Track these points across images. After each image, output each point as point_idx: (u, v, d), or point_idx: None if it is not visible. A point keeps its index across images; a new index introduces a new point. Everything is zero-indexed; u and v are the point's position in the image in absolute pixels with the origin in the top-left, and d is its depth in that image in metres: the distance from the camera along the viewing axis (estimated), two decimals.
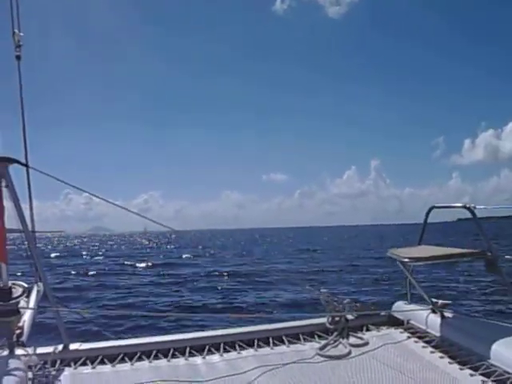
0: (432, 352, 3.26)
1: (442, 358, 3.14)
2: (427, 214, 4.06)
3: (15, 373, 2.48)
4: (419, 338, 3.53)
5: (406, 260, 3.57)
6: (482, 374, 2.81)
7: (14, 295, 2.84)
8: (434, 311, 3.68)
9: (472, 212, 3.60)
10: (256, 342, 3.53)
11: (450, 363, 3.04)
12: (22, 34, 3.61)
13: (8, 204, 2.91)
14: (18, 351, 2.93)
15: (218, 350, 3.41)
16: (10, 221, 2.95)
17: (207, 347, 3.43)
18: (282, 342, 3.56)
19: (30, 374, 2.79)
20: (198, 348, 3.41)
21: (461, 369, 2.93)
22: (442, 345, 3.33)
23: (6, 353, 2.89)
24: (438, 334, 3.47)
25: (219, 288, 18.43)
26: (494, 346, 2.95)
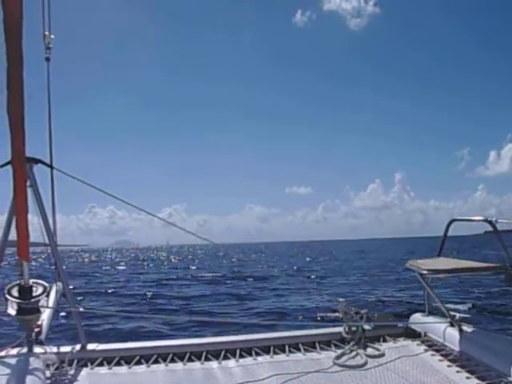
0: (449, 366, 3.21)
1: (459, 372, 3.10)
2: (447, 226, 4.04)
3: (34, 371, 2.52)
4: (436, 351, 3.49)
5: (425, 272, 3.54)
6: None
7: (35, 294, 2.89)
8: (451, 325, 3.64)
9: (493, 226, 3.57)
10: (272, 348, 3.54)
11: (467, 378, 2.99)
12: (52, 36, 3.67)
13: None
14: (37, 349, 2.98)
15: (234, 355, 3.42)
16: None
17: (223, 352, 3.44)
18: (298, 349, 3.56)
19: (47, 373, 2.82)
20: (214, 353, 3.43)
21: None
22: (459, 359, 3.29)
23: (24, 350, 2.94)
24: (455, 348, 3.43)
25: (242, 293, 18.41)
26: None
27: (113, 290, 21.09)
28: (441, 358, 3.38)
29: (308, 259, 53.77)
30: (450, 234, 4.06)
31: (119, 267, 44.81)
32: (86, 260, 67.84)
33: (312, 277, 26.69)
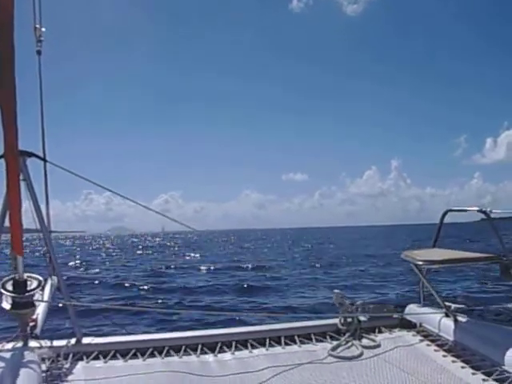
0: (444, 356, 3.23)
1: (454, 362, 3.12)
2: (442, 216, 4.06)
3: (29, 365, 2.52)
4: (432, 341, 3.51)
5: (420, 263, 3.56)
6: (495, 380, 2.78)
7: (30, 288, 2.88)
8: (447, 315, 3.66)
9: (488, 216, 3.58)
10: (268, 341, 3.54)
11: (462, 368, 3.01)
12: (43, 29, 3.64)
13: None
14: (32, 343, 2.98)
15: (229, 348, 3.43)
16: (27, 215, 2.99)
17: (219, 345, 3.44)
18: (294, 341, 3.57)
19: (43, 367, 2.82)
20: (210, 346, 3.43)
21: (473, 374, 2.91)
22: (454, 349, 3.31)
23: (20, 345, 2.94)
24: (450, 338, 3.45)
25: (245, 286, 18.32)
26: (509, 352, 2.92)
27: (108, 279, 20.93)
28: (436, 348, 3.40)
29: (308, 245, 53.59)
30: (448, 221, 4.08)
31: (115, 255, 44.62)
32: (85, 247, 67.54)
33: (317, 265, 26.26)
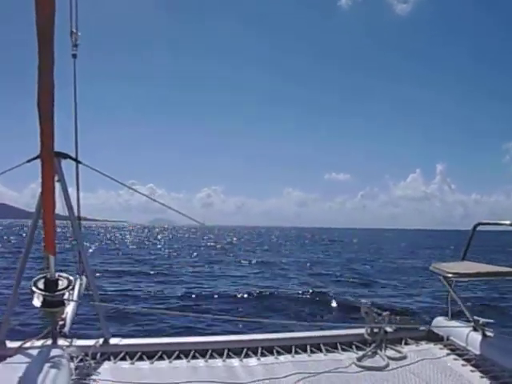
0: (472, 371, 3.17)
1: (482, 377, 3.05)
2: (473, 229, 4.00)
3: (59, 362, 2.55)
4: (459, 355, 3.45)
5: (449, 275, 3.52)
6: None
7: (60, 287, 2.93)
8: (475, 329, 3.60)
9: None
10: (294, 348, 3.53)
11: None
12: (79, 33, 3.71)
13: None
14: (61, 342, 3.03)
15: (255, 353, 3.43)
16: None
17: (245, 350, 3.45)
18: (320, 350, 3.55)
19: (72, 365, 2.87)
20: (236, 351, 3.43)
21: None
22: (482, 364, 3.25)
23: (49, 342, 2.99)
24: (478, 353, 3.39)
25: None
26: None
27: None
28: (464, 362, 3.33)
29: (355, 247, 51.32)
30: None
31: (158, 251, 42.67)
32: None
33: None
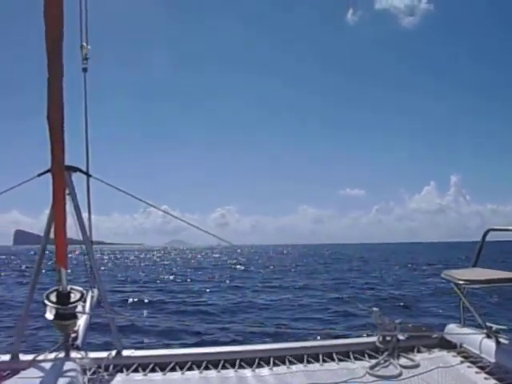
0: (486, 378, 3.13)
1: None
2: (484, 236, 3.98)
3: (72, 375, 2.56)
4: (472, 363, 3.42)
5: (461, 282, 3.50)
6: None
7: (73, 300, 2.95)
8: (488, 336, 3.56)
9: None
10: (305, 357, 3.52)
11: None
12: (89, 47, 3.75)
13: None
14: (74, 354, 3.03)
15: (267, 363, 3.42)
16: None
17: (257, 360, 3.44)
18: (332, 359, 3.54)
19: (85, 377, 2.88)
20: (248, 361, 3.44)
21: None
22: (496, 371, 3.21)
23: (62, 355, 3.01)
24: (492, 360, 3.35)
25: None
26: None
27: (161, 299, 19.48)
28: (478, 370, 3.30)
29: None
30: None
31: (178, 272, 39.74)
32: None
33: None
